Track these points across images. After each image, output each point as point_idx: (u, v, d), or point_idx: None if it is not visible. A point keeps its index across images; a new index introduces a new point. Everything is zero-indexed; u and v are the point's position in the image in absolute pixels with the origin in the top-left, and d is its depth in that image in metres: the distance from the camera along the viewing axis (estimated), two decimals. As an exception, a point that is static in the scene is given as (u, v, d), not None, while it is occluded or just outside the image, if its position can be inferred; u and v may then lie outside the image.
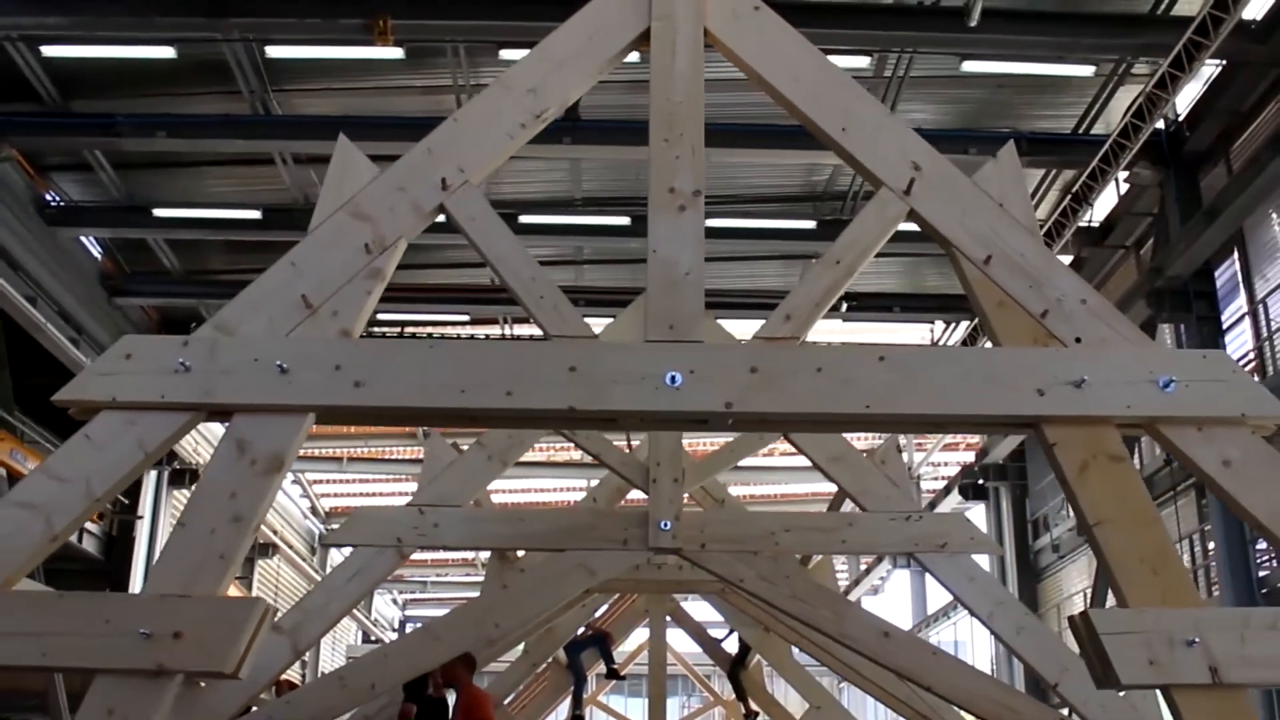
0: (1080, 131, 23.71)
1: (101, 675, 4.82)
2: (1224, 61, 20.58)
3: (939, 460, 41.09)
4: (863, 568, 43.85)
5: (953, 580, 9.06)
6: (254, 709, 9.75)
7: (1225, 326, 22.44)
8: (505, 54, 21.02)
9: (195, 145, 23.04)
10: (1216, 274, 22.69)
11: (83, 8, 19.28)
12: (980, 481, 33.31)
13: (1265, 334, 21.16)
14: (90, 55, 20.96)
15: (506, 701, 17.99)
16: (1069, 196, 23.32)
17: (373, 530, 9.58)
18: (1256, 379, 20.11)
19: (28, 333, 23.26)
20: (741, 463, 16.45)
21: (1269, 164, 19.40)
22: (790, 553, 10.93)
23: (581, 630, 18.46)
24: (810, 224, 26.50)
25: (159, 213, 25.82)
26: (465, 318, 30.71)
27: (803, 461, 9.44)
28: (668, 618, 19.52)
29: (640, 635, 22.71)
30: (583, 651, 18.80)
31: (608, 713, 31.62)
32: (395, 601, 61.33)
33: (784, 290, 28.92)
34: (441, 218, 5.70)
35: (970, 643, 37.73)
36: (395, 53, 20.44)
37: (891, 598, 48.41)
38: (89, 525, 26.59)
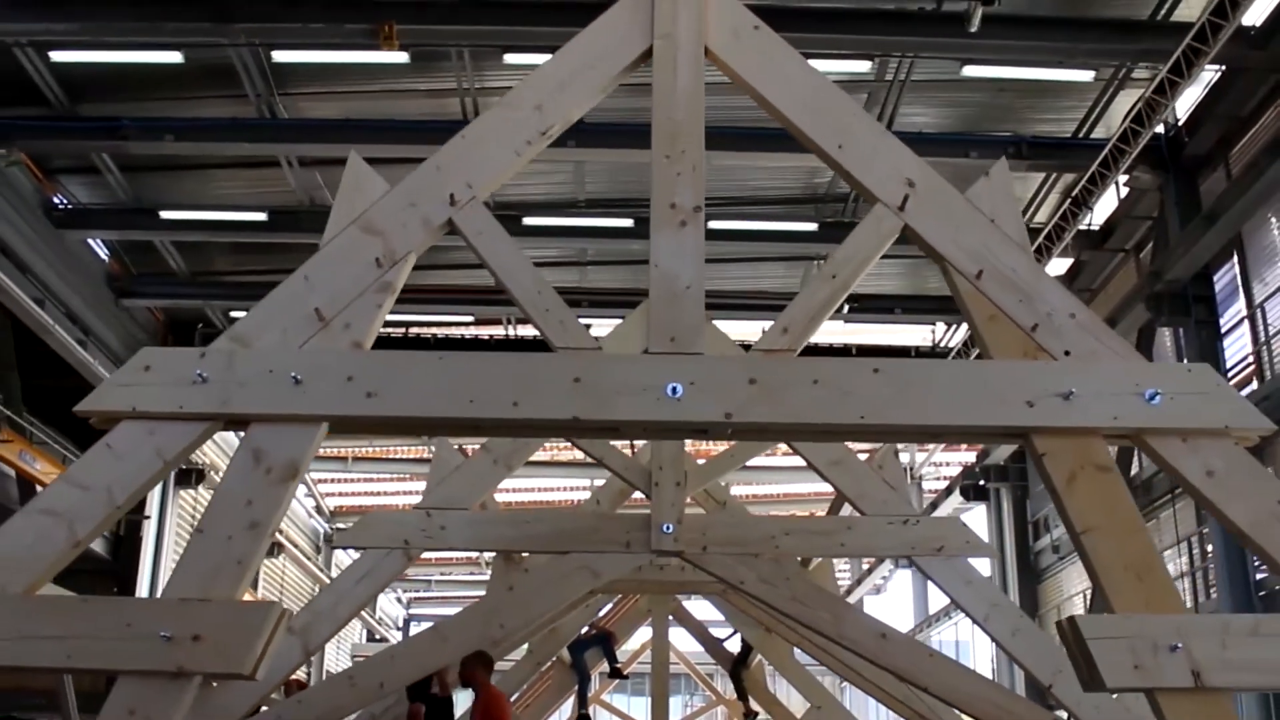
0: (1080, 135, 23.87)
1: (123, 677, 4.98)
2: (1223, 67, 20.72)
3: (940, 460, 41.26)
4: (865, 568, 44.03)
5: (949, 583, 9.23)
6: (264, 708, 9.93)
7: (1224, 330, 22.58)
8: (510, 58, 21.22)
9: (202, 148, 23.28)
10: (1215, 278, 22.83)
11: (90, 13, 19.48)
12: (981, 482, 33.48)
13: (1263, 338, 21.26)
14: (98, 60, 21.16)
15: (511, 700, 18.15)
16: (1069, 200, 23.47)
17: (381, 533, 9.77)
18: (1255, 383, 20.39)
19: (35, 335, 23.44)
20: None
21: (1268, 169, 19.54)
22: (790, 555, 11.09)
23: (585, 630, 18.62)
24: (812, 226, 26.68)
25: (166, 215, 26.03)
26: (469, 319, 30.89)
27: (804, 461, 9.63)
28: (670, 617, 19.71)
29: (643, 634, 22.91)
30: (586, 651, 18.97)
31: (611, 711, 31.80)
32: (400, 600, 61.54)
33: (786, 291, 29.19)
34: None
35: (972, 642, 37.91)
36: (400, 57, 20.65)
37: (894, 597, 48.61)
38: (96, 525, 26.73)
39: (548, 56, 18.71)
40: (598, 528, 10.08)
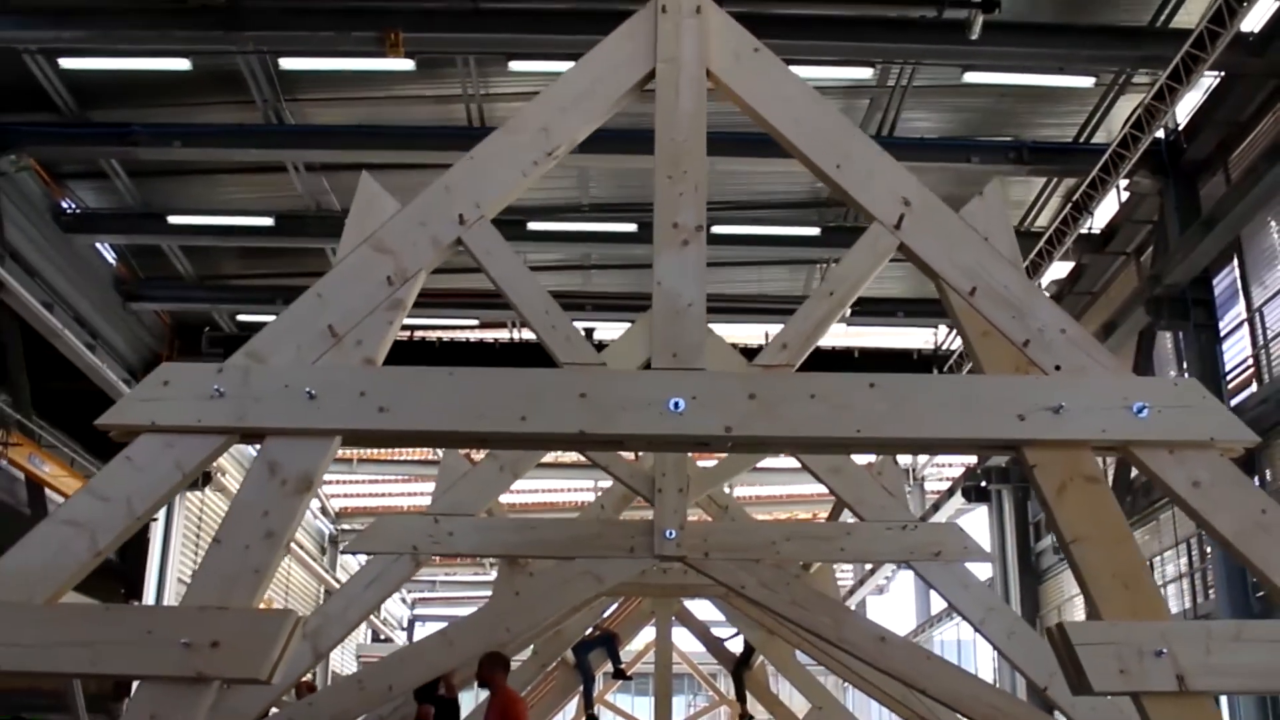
0: (1081, 140, 24.04)
1: (145, 682, 5.17)
2: (1222, 73, 20.86)
3: (942, 462, 41.38)
4: (868, 569, 44.13)
5: (947, 587, 9.42)
6: (274, 710, 10.12)
7: (1224, 334, 22.69)
8: (515, 65, 21.40)
9: (210, 154, 23.49)
10: (1215, 282, 22.92)
11: (101, 21, 19.69)
12: (983, 484, 33.58)
13: (1262, 341, 21.39)
14: (107, 67, 21.37)
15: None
16: (1070, 205, 23.62)
17: (390, 538, 9.96)
18: (1254, 385, 20.53)
19: (44, 338, 23.63)
20: (746, 465, 16.80)
21: (1267, 174, 19.63)
22: (791, 561, 11.28)
23: (589, 631, 18.79)
24: (815, 231, 26.83)
25: (173, 219, 26.27)
26: (474, 322, 31.05)
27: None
28: (673, 619, 19.89)
29: (647, 635, 23.08)
30: (590, 652, 19.14)
31: (615, 712, 31.96)
32: (404, 600, 61.71)
33: (789, 295, 29.38)
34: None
35: (974, 642, 38.01)
36: (406, 64, 20.83)
37: (896, 598, 48.77)
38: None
39: (552, 64, 19.02)
40: (602, 534, 10.28)
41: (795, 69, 19.26)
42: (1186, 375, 23.18)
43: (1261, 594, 20.42)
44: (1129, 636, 5.11)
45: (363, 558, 12.51)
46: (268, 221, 26.39)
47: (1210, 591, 22.39)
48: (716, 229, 25.59)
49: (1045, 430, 5.46)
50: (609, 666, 20.29)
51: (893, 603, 48.98)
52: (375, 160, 23.66)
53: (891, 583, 48.11)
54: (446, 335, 30.75)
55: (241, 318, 31.53)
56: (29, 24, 19.69)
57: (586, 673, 19.18)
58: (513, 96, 23.16)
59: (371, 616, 50.50)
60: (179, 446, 5.47)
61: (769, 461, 35.00)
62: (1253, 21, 19.09)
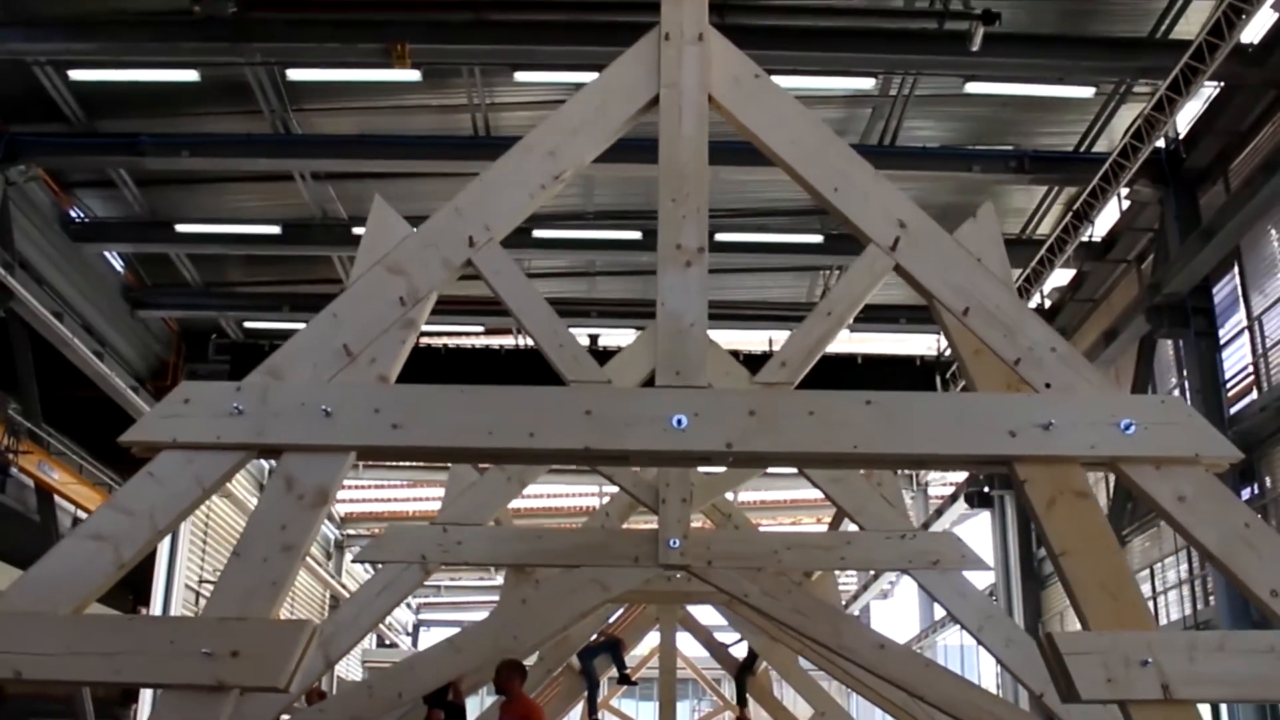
0: (1082, 149, 24.22)
1: (167, 690, 5.36)
2: (1221, 83, 21.03)
3: (946, 467, 41.44)
4: (871, 574, 44.26)
5: (945, 596, 9.61)
6: (286, 718, 10.30)
7: (1224, 341, 22.82)
8: (519, 76, 21.61)
9: (217, 164, 23.73)
10: (1215, 290, 23.05)
11: (110, 34, 19.95)
12: (986, 489, 33.71)
13: (1262, 349, 21.53)
14: (116, 79, 21.59)
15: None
16: (1071, 213, 23.76)
17: (400, 548, 10.16)
18: (1254, 393, 20.67)
19: (53, 346, 23.83)
20: (750, 470, 16.98)
21: (1266, 183, 19.76)
22: (792, 569, 11.46)
23: (594, 637, 18.94)
24: (818, 238, 26.99)
25: (181, 228, 26.51)
26: (480, 329, 31.24)
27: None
28: (677, 624, 20.06)
29: (651, 640, 23.23)
30: (595, 657, 19.29)
31: (619, 716, 32.09)
32: (410, 606, 61.87)
33: (792, 302, 29.56)
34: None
35: (977, 648, 38.02)
36: (412, 75, 21.02)
37: (900, 603, 48.93)
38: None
39: (557, 74, 19.19)
40: (608, 543, 10.47)
41: (799, 79, 19.53)
42: (1187, 383, 23.39)
43: (1260, 600, 20.54)
44: (1116, 646, 5.27)
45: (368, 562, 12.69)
46: (274, 230, 26.64)
47: (1210, 598, 22.53)
48: (720, 236, 25.80)
49: (1035, 446, 5.64)
50: (614, 672, 20.43)
51: (897, 608, 49.18)
52: (381, 169, 23.96)
53: (895, 588, 48.27)
54: (452, 342, 30.92)
55: (248, 324, 31.76)
56: (39, 36, 19.97)
57: (591, 678, 19.33)
58: (517, 106, 23.39)
59: (377, 622, 50.78)
60: (199, 462, 5.65)
61: (773, 467, 35.11)
62: (1252, 33, 19.24)
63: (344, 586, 45.20)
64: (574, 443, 5.67)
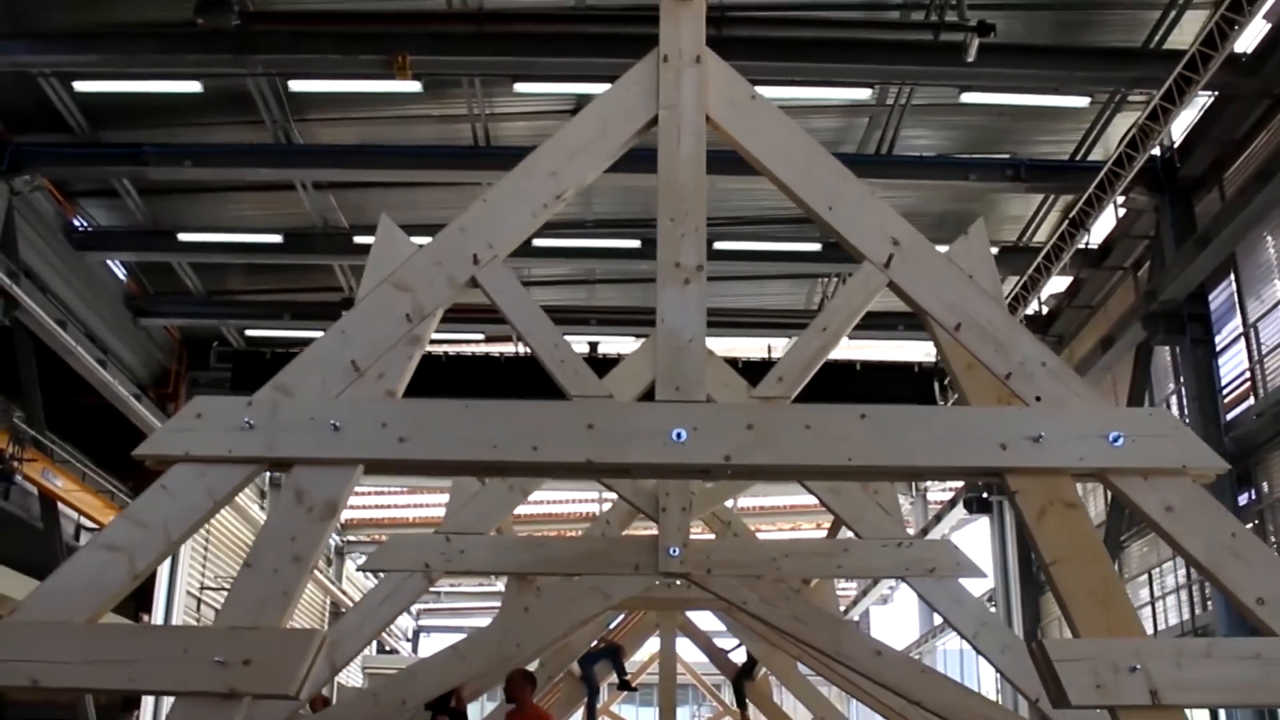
0: (1079, 157, 24.32)
1: (180, 698, 5.51)
2: (1215, 92, 21.20)
3: (945, 472, 41.46)
4: (870, 580, 44.36)
5: (941, 603, 9.76)
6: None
7: (1220, 348, 22.95)
8: (520, 87, 21.77)
9: (220, 173, 23.88)
10: (1211, 297, 23.17)
11: (115, 45, 20.09)
12: (984, 495, 33.82)
13: (1258, 355, 21.65)
14: (120, 90, 21.73)
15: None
16: (1067, 221, 23.91)
17: (404, 556, 10.31)
18: (1251, 399, 20.79)
19: (55, 354, 23.96)
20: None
21: (1260, 191, 19.94)
22: (791, 577, 11.62)
23: (595, 643, 19.08)
24: (815, 246, 27.12)
25: (183, 237, 26.62)
26: (480, 336, 31.38)
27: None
28: (677, 630, 20.21)
29: (651, 647, 23.39)
30: (596, 664, 19.42)
31: (619, 722, 32.25)
32: (410, 611, 61.87)
33: (790, 309, 29.72)
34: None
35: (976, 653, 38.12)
36: (413, 86, 21.15)
37: (900, 608, 49.00)
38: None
39: (556, 86, 19.34)
40: (608, 551, 10.63)
41: (797, 89, 19.62)
42: (1183, 389, 23.52)
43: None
44: (1105, 653, 5.42)
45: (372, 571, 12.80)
46: (276, 239, 26.77)
47: (1208, 603, 22.65)
48: (719, 245, 25.94)
49: (1026, 458, 5.79)
50: (614, 678, 20.57)
51: (896, 613, 49.25)
52: (382, 179, 24.15)
53: (895, 593, 48.32)
54: (453, 350, 31.05)
55: (250, 332, 31.93)
56: (44, 49, 20.12)
57: (592, 684, 19.46)
58: (517, 117, 23.55)
59: (378, 628, 50.85)
60: (211, 475, 5.81)
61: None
62: (1245, 42, 19.40)
63: (344, 593, 45.32)
64: (576, 456, 5.82)
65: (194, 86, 21.54)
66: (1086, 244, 25.48)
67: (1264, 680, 5.42)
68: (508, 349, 31.40)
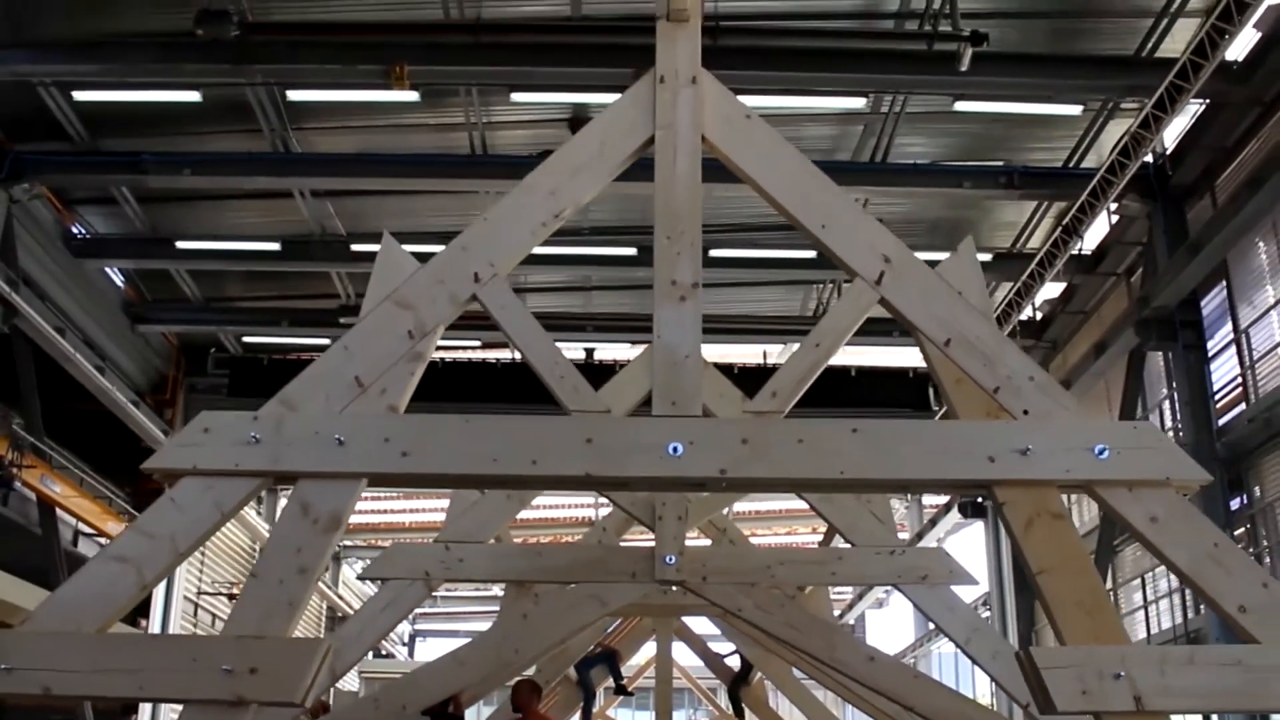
0: (1072, 164, 24.48)
1: (188, 705, 5.64)
2: (1207, 100, 21.36)
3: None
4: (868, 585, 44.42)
5: (933, 610, 9.90)
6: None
7: (1212, 354, 23.11)
8: (516, 96, 21.94)
9: (218, 182, 24.02)
10: (1203, 303, 23.36)
11: (114, 55, 20.25)
12: (979, 499, 33.93)
13: (1249, 361, 21.81)
14: (119, 99, 21.88)
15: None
16: (1061, 227, 24.05)
17: (404, 565, 10.44)
18: (1242, 405, 20.93)
19: (53, 360, 24.08)
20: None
21: (1251, 198, 20.10)
22: (785, 584, 11.76)
23: (591, 648, 19.18)
24: (810, 253, 27.19)
25: (181, 244, 26.77)
26: (477, 343, 31.50)
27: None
28: (673, 635, 20.32)
29: (647, 651, 23.50)
30: (592, 669, 19.51)
31: (616, 727, 32.37)
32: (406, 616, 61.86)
33: (785, 315, 29.87)
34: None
35: (972, 656, 38.19)
36: (411, 95, 21.30)
37: (896, 612, 49.12)
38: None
39: (552, 95, 19.48)
40: (605, 559, 10.76)
41: (792, 98, 19.77)
42: (1176, 395, 23.68)
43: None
44: (1090, 660, 5.55)
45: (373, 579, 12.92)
46: (274, 246, 26.93)
47: (1201, 607, 22.76)
48: (714, 252, 26.05)
49: (1013, 471, 5.92)
50: (610, 683, 20.67)
51: (892, 616, 49.36)
52: (379, 187, 24.30)
53: (891, 597, 48.40)
54: (448, 355, 31.17)
55: (247, 339, 32.03)
56: (44, 58, 20.28)
57: (588, 689, 19.56)
58: (514, 125, 23.71)
59: (376, 633, 50.91)
60: (218, 488, 5.93)
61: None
62: (1236, 51, 19.58)
63: (341, 598, 45.43)
64: (575, 470, 5.95)
65: (193, 96, 21.73)
66: (1080, 250, 25.62)
67: (1245, 686, 5.55)
68: (504, 355, 31.53)
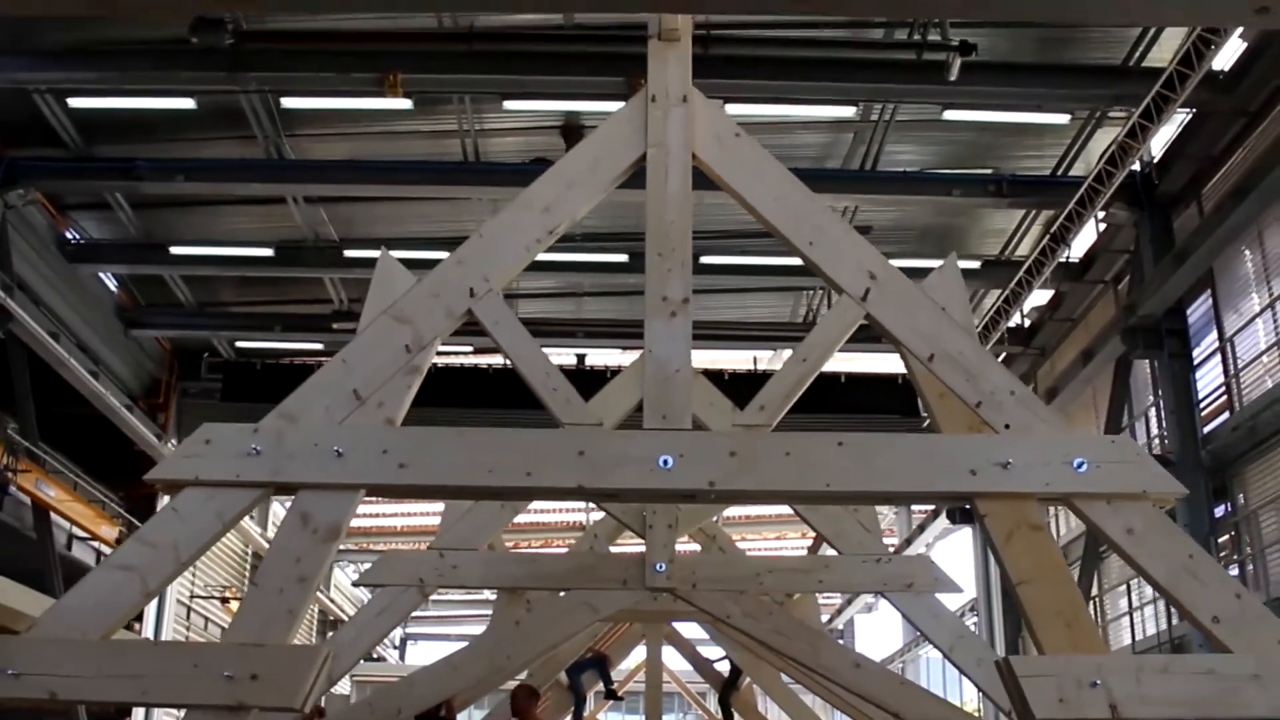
0: (1060, 173, 24.65)
1: (190, 710, 5.79)
2: (1194, 110, 21.56)
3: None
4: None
5: (918, 617, 10.07)
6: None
7: (1198, 362, 23.28)
8: (509, 104, 22.09)
9: (212, 188, 24.14)
10: (1189, 311, 23.53)
11: (109, 63, 20.40)
12: (967, 506, 33.99)
13: (1234, 370, 21.98)
14: (114, 106, 22.02)
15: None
16: (1049, 235, 24.22)
17: (399, 571, 10.59)
18: (1227, 413, 21.09)
19: (47, 365, 24.17)
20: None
21: (1237, 207, 20.24)
22: (774, 591, 11.92)
23: (583, 653, 19.28)
24: (799, 260, 27.30)
25: (175, 250, 26.86)
26: (469, 349, 31.61)
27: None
28: (663, 640, 20.44)
29: (637, 656, 23.61)
30: (583, 673, 19.62)
31: (606, 731, 32.48)
32: (397, 620, 61.89)
33: (775, 321, 30.02)
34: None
35: (961, 661, 38.32)
36: (404, 103, 21.45)
37: (884, 617, 49.26)
38: (106, 551, 27.49)
39: (544, 103, 19.61)
40: (597, 567, 10.90)
41: (782, 107, 19.92)
42: (1162, 402, 23.86)
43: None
44: (1068, 669, 5.71)
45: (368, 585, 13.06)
46: (267, 252, 27.04)
47: (1184, 613, 22.90)
48: (705, 259, 26.19)
49: (995, 484, 6.09)
50: (601, 687, 20.78)
51: (881, 621, 49.51)
52: (372, 194, 24.42)
53: (879, 602, 48.46)
54: (440, 361, 31.26)
55: (240, 344, 32.15)
56: (40, 65, 20.41)
57: (579, 693, 19.67)
58: (506, 132, 23.85)
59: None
60: (219, 499, 6.08)
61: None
62: (1222, 61, 19.79)
63: (333, 601, 45.52)
64: (568, 481, 6.11)
65: (187, 103, 21.86)
66: (1068, 258, 25.81)
67: (1218, 694, 5.70)
68: (496, 360, 31.64)
